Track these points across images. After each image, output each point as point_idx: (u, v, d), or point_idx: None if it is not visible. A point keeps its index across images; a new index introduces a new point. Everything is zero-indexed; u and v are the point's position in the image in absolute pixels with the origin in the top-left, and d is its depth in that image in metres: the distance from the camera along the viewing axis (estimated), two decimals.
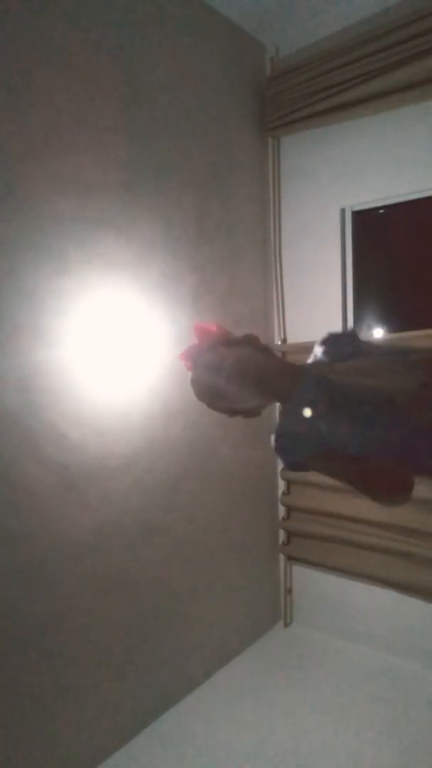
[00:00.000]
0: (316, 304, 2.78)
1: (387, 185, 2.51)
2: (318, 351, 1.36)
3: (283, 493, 2.94)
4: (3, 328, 1.71)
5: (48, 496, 1.85)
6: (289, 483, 2.91)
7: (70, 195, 1.88)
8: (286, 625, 3.01)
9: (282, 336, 2.87)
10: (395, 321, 2.73)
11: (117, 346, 2.06)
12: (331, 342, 1.36)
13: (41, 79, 1.78)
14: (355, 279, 2.71)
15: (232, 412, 1.31)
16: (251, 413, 1.33)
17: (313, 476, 2.74)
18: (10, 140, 1.70)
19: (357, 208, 2.67)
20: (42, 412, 1.82)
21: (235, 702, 2.43)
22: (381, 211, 2.66)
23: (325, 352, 1.35)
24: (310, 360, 1.38)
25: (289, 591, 3.00)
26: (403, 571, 2.49)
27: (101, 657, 2.07)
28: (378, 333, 2.73)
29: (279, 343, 2.87)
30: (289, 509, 2.93)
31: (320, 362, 1.30)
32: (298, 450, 1.21)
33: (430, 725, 2.23)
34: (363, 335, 1.38)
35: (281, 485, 2.96)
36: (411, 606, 2.54)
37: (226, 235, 2.59)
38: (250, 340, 1.31)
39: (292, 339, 2.86)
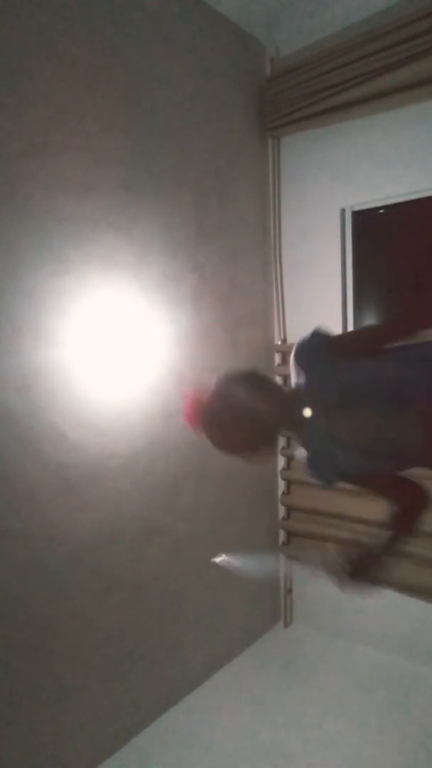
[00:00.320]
0: (316, 304, 2.78)
1: (387, 185, 2.51)
2: (294, 374, 1.36)
3: (283, 493, 2.94)
4: (3, 328, 1.71)
5: (48, 496, 1.85)
6: (289, 483, 2.91)
7: (70, 195, 1.88)
8: (286, 625, 3.01)
9: (282, 336, 2.87)
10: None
11: (117, 346, 2.06)
12: (302, 357, 1.37)
13: (41, 79, 1.78)
14: (355, 279, 2.71)
15: (242, 453, 1.32)
16: (260, 454, 1.32)
17: None
18: (10, 140, 1.70)
19: (357, 208, 2.67)
20: (42, 412, 1.82)
21: (235, 702, 2.43)
22: (381, 211, 2.66)
23: (301, 371, 1.35)
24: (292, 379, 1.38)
25: (289, 591, 3.00)
26: (403, 571, 2.49)
27: (101, 657, 2.07)
28: None
29: (279, 343, 2.87)
30: (289, 509, 2.93)
31: (315, 408, 1.28)
32: (327, 473, 1.31)
33: (430, 725, 2.23)
34: (326, 330, 1.40)
35: (281, 485, 2.96)
36: (411, 606, 2.54)
37: (226, 235, 2.59)
38: (253, 377, 1.32)
39: (292, 339, 2.85)
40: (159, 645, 2.32)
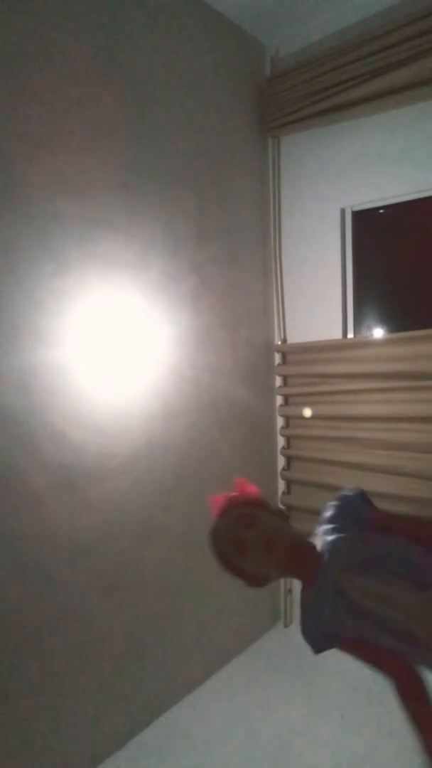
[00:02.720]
0: (316, 304, 2.78)
1: (387, 185, 2.51)
2: (326, 525, 1.36)
3: (283, 492, 2.94)
4: (3, 328, 1.71)
5: (48, 496, 1.85)
6: (288, 483, 2.91)
7: (70, 195, 1.88)
8: (286, 625, 3.01)
9: (282, 336, 2.87)
10: (395, 321, 2.73)
11: (117, 346, 2.06)
12: (343, 506, 1.39)
13: (41, 80, 1.78)
14: (355, 279, 2.71)
15: (239, 573, 1.27)
16: (256, 581, 1.28)
17: (313, 476, 2.74)
18: (10, 140, 1.70)
19: (357, 208, 2.67)
20: (42, 412, 1.82)
21: (235, 702, 2.43)
22: (381, 211, 2.66)
23: (336, 516, 1.37)
24: (320, 527, 1.38)
25: (289, 591, 3.00)
26: None
27: (101, 657, 2.07)
28: (378, 333, 2.73)
29: (279, 343, 2.87)
30: (289, 509, 2.92)
31: (337, 560, 1.26)
32: (326, 643, 1.29)
33: None
34: (372, 504, 1.44)
35: (281, 485, 2.96)
36: None
37: (226, 235, 2.59)
38: (282, 514, 1.32)
39: (292, 339, 2.85)
40: (159, 645, 2.32)
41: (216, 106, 2.50)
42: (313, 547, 1.31)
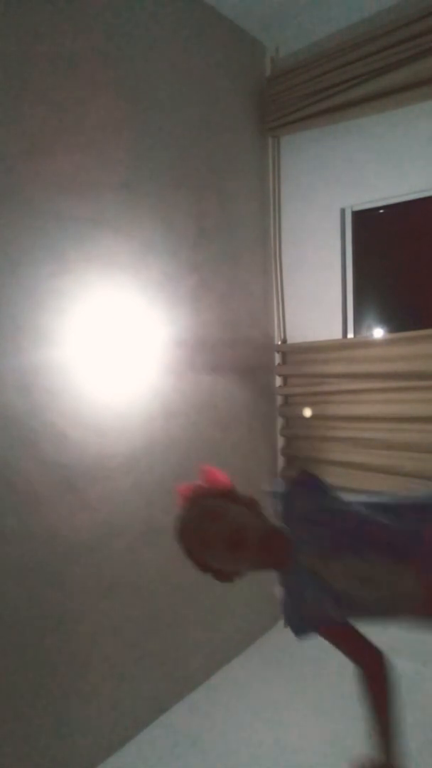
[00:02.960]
0: (316, 304, 2.78)
1: (387, 185, 2.51)
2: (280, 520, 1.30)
3: None
4: (3, 328, 1.71)
5: (48, 496, 1.85)
6: None
7: (70, 195, 1.88)
8: (286, 625, 3.01)
9: (282, 336, 2.87)
10: (395, 321, 2.73)
11: (117, 346, 2.06)
12: (298, 491, 1.31)
13: (41, 79, 1.78)
14: (355, 279, 2.71)
15: (205, 568, 1.21)
16: (224, 576, 1.22)
17: None
18: (11, 140, 1.70)
19: (357, 208, 2.67)
20: (42, 412, 1.82)
21: (235, 702, 2.43)
22: (381, 211, 2.66)
23: (290, 504, 1.29)
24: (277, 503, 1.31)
25: None
26: None
27: (101, 657, 2.07)
28: (378, 333, 2.73)
29: (279, 343, 2.87)
30: None
31: (304, 548, 1.21)
32: (308, 627, 1.27)
33: (430, 725, 2.23)
34: (328, 486, 1.33)
35: None
36: None
37: (225, 235, 2.59)
38: (253, 504, 1.25)
39: (292, 339, 2.85)
40: (159, 645, 2.32)
41: (216, 106, 2.50)
42: (285, 535, 1.23)
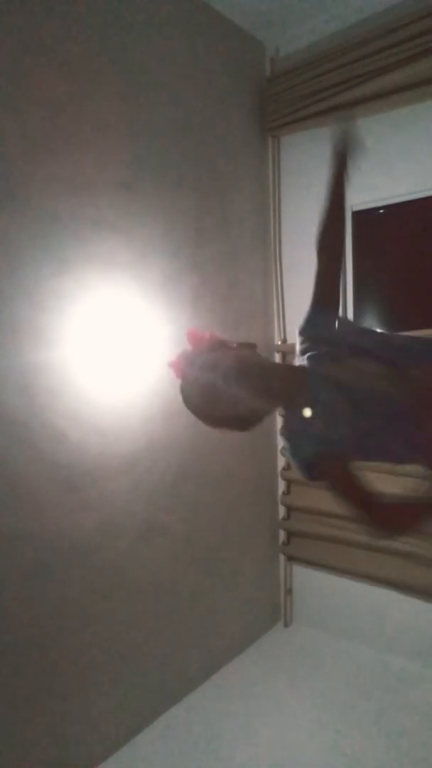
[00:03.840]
0: None
1: (387, 185, 2.51)
2: (298, 342, 1.39)
3: (283, 493, 2.94)
4: (3, 328, 1.71)
5: (48, 496, 1.85)
6: (289, 483, 2.91)
7: (70, 195, 1.88)
8: (286, 625, 3.01)
9: (282, 336, 2.87)
10: (395, 321, 2.73)
11: (117, 346, 2.06)
12: (308, 326, 1.40)
13: (41, 79, 1.78)
14: (355, 279, 2.71)
15: (223, 422, 1.21)
16: (245, 422, 1.21)
17: None
18: (10, 140, 1.70)
19: (357, 208, 2.66)
20: (42, 412, 1.82)
21: (235, 702, 2.43)
22: (381, 211, 2.65)
23: (306, 339, 1.37)
24: (297, 357, 1.36)
25: (289, 591, 3.00)
26: (403, 571, 2.49)
27: (101, 657, 2.07)
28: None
29: (279, 343, 2.87)
30: (289, 509, 2.93)
31: (318, 361, 1.26)
32: (308, 447, 1.21)
33: (430, 725, 2.23)
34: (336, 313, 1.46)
35: (281, 485, 2.96)
36: (411, 606, 2.54)
37: (226, 235, 2.59)
38: (249, 345, 1.26)
39: (292, 339, 2.85)
40: (159, 645, 2.32)
41: (216, 106, 2.50)
42: (288, 364, 1.31)
